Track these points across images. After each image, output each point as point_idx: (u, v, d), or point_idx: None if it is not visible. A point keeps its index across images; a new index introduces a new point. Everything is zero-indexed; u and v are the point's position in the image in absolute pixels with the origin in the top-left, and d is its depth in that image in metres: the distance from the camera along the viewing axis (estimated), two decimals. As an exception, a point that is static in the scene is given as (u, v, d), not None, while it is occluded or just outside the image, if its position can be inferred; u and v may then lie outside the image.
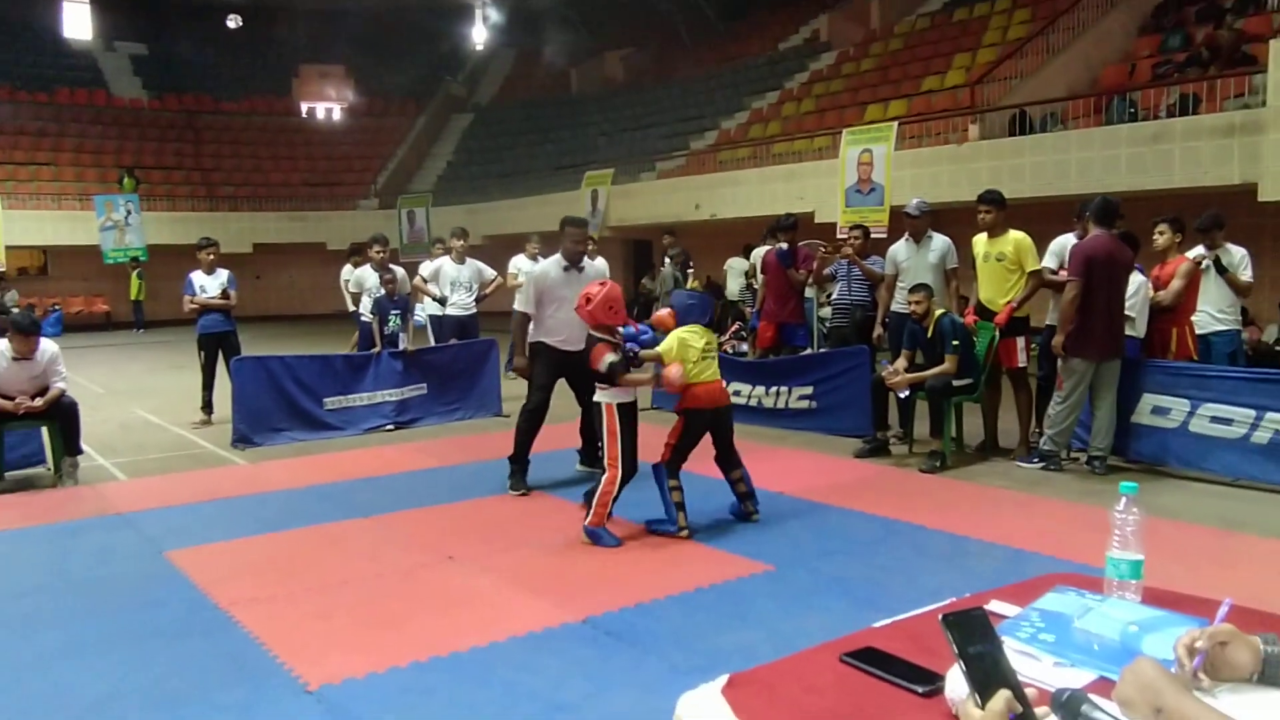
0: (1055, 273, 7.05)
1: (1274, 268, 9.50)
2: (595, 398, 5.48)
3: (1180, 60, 13.57)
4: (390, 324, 9.34)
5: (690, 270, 14.16)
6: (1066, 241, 7.22)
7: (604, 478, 5.32)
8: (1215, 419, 6.41)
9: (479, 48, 30.91)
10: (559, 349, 6.44)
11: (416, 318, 10.24)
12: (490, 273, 11.12)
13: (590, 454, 6.98)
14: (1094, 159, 12.22)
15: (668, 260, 13.96)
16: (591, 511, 5.28)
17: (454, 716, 3.27)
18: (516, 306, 6.70)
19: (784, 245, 9.16)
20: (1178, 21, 14.93)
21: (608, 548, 5.20)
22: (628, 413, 5.41)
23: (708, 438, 5.53)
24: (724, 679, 1.52)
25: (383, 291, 9.50)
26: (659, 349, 5.47)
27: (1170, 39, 14.53)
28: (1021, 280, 7.12)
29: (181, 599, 4.53)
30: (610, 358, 5.24)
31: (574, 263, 6.60)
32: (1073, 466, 6.82)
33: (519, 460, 6.53)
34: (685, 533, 5.28)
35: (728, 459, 5.57)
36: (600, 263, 7.37)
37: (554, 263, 6.67)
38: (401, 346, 9.31)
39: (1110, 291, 6.52)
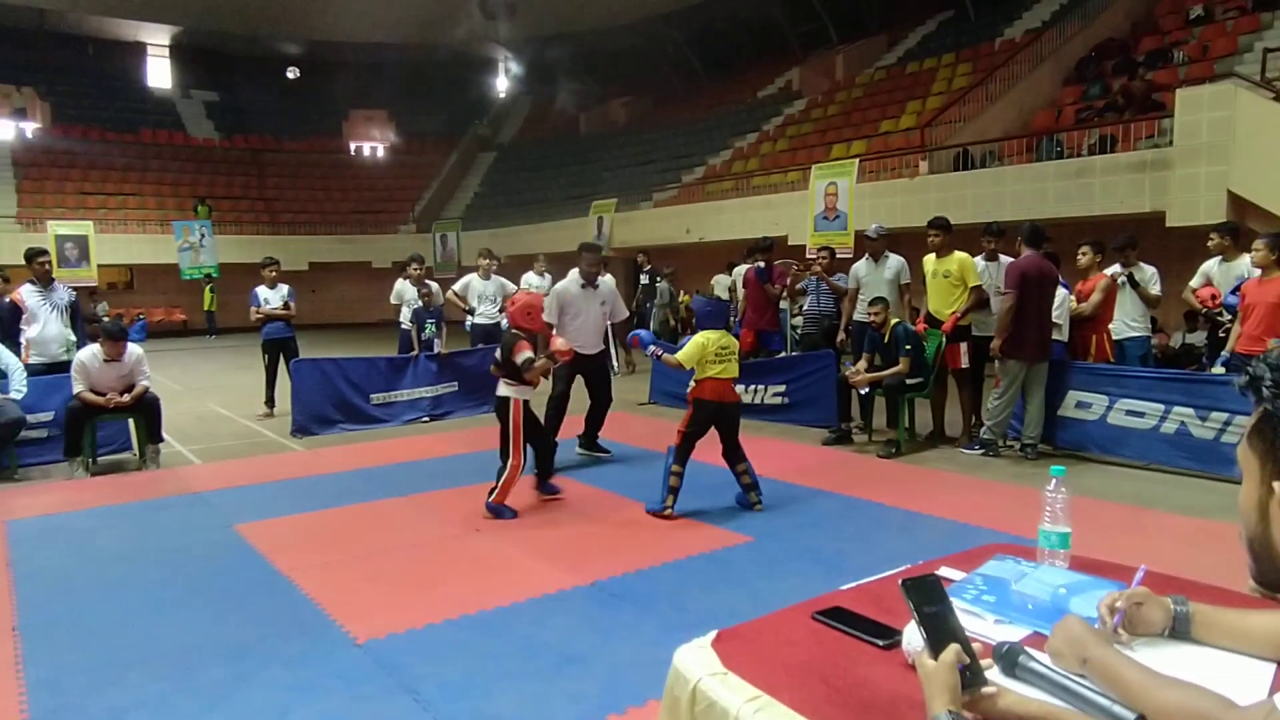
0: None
1: (1179, 283, 9.47)
2: (502, 392, 5.35)
3: (1100, 106, 13.59)
4: (427, 330, 9.33)
5: (659, 281, 14.26)
6: (1003, 262, 7.25)
7: (509, 464, 5.26)
8: (1130, 412, 6.42)
9: (502, 95, 31.04)
10: (580, 352, 6.47)
11: (466, 325, 10.28)
12: (512, 287, 11.11)
13: (590, 439, 6.99)
14: (1026, 191, 12.23)
15: (664, 277, 13.99)
16: (497, 492, 5.27)
17: (481, 666, 3.26)
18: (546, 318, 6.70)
19: (761, 264, 9.16)
20: (1098, 74, 14.96)
21: (509, 519, 5.22)
22: (529, 408, 5.39)
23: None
24: (713, 634, 1.52)
25: (420, 303, 9.51)
26: (680, 355, 5.29)
27: (1091, 88, 14.56)
28: (964, 294, 7.13)
29: (249, 565, 4.54)
30: (527, 353, 5.23)
31: (589, 281, 6.68)
32: (1008, 453, 6.83)
33: (541, 447, 6.50)
34: (669, 513, 5.17)
35: (733, 453, 5.36)
36: (609, 280, 7.36)
37: (573, 280, 6.73)
38: (436, 350, 9.31)
39: (1039, 303, 6.54)
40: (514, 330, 5.39)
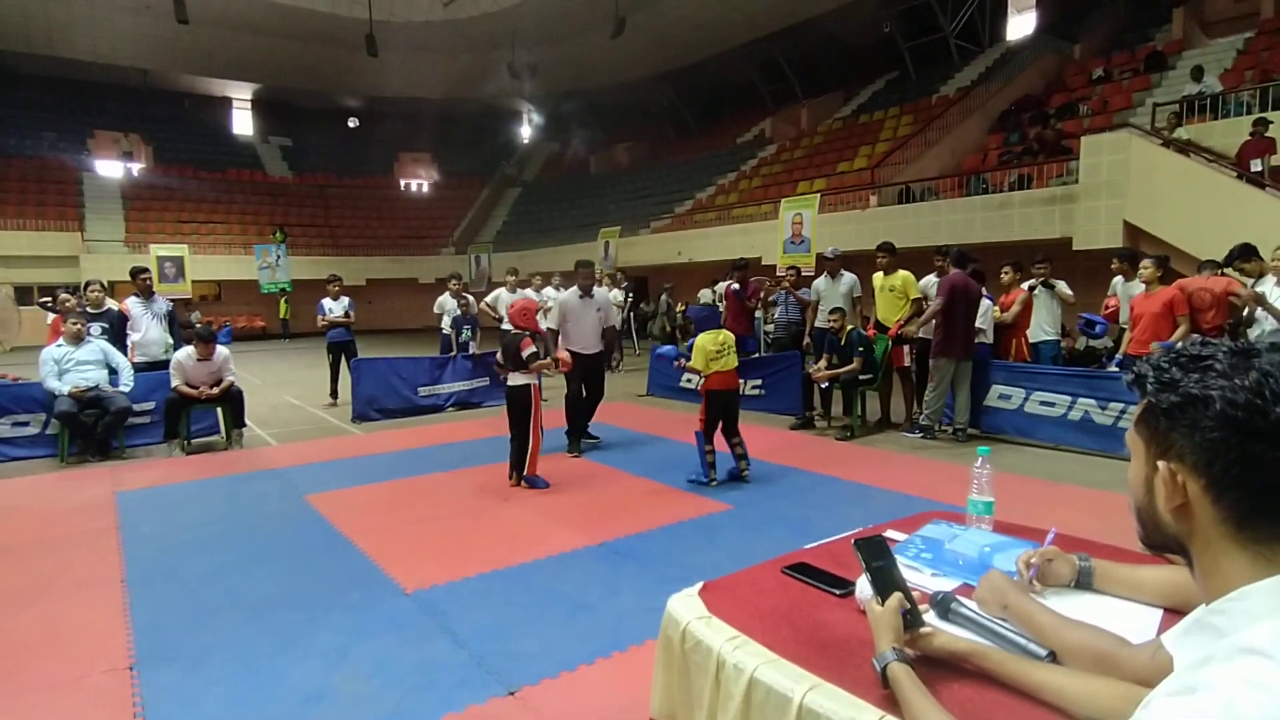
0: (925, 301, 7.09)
1: (1084, 295, 9.49)
2: (519, 382, 5.29)
3: (1018, 150, 13.61)
4: (464, 334, 9.31)
5: (630, 294, 14.27)
6: (929, 281, 7.27)
7: (534, 443, 5.30)
8: (1043, 402, 6.42)
9: (525, 140, 30.97)
10: (581, 353, 6.44)
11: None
12: (536, 299, 11.14)
13: (581, 430, 6.70)
14: (957, 220, 12.24)
15: (665, 291, 13.96)
16: (529, 463, 5.33)
17: (508, 612, 3.26)
18: (548, 325, 6.70)
19: (736, 285, 9.12)
20: (1017, 123, 14.97)
21: (542, 489, 5.24)
22: (539, 393, 5.44)
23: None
24: (700, 585, 1.52)
25: (459, 312, 9.49)
26: (693, 362, 5.28)
27: (1011, 136, 14.57)
28: (907, 305, 7.13)
29: (316, 529, 4.54)
30: (532, 348, 5.24)
31: (585, 291, 6.61)
32: (943, 436, 6.82)
33: (572, 432, 6.48)
34: (714, 482, 5.20)
35: (731, 431, 5.39)
36: (603, 290, 7.18)
37: (572, 292, 6.68)
38: (471, 350, 9.29)
39: (965, 312, 6.54)
40: (516, 329, 5.37)
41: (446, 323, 9.69)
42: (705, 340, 5.26)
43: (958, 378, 6.64)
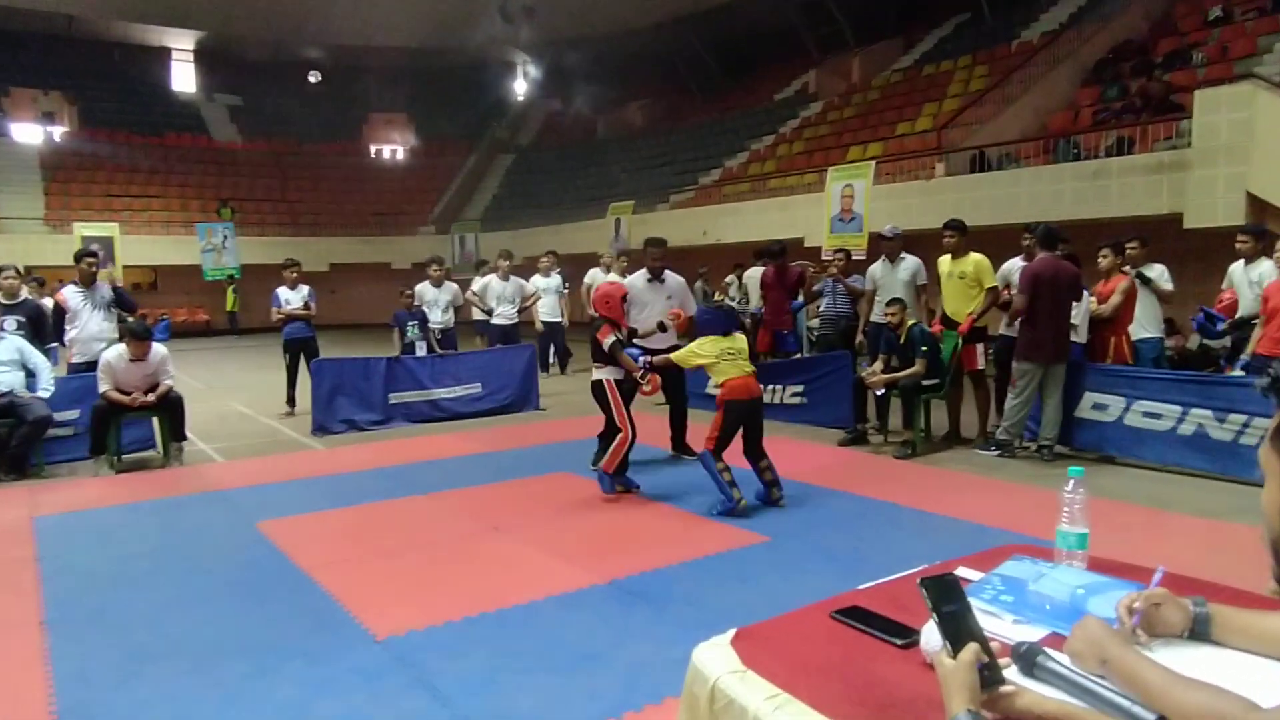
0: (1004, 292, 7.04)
1: (1196, 284, 9.38)
2: (594, 376, 5.67)
3: (1117, 108, 13.48)
4: (410, 333, 9.24)
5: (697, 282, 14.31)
6: (1012, 266, 7.22)
7: (619, 437, 5.50)
8: (1147, 414, 6.36)
9: (520, 98, 31.11)
10: (647, 347, 6.38)
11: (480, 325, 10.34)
12: (530, 288, 11.23)
13: (677, 441, 6.97)
14: (1042, 193, 12.16)
15: (699, 277, 13.98)
16: (606, 458, 5.50)
17: (499, 663, 3.27)
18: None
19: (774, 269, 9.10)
20: (1115, 75, 14.83)
21: (606, 494, 5.48)
22: (624, 386, 5.65)
23: None
24: (732, 632, 1.52)
25: (406, 307, 9.45)
26: (674, 355, 5.52)
27: (1109, 90, 14.44)
28: (981, 295, 7.09)
29: (270, 562, 4.57)
30: (611, 337, 5.52)
31: (655, 275, 6.68)
32: (1024, 454, 6.77)
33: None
34: (743, 503, 5.16)
35: (756, 450, 5.38)
36: (676, 277, 7.09)
37: (639, 275, 6.75)
38: (419, 353, 9.22)
39: (1054, 305, 6.48)
40: (598, 317, 5.69)
41: (435, 318, 9.71)
42: (702, 345, 5.38)
43: (1046, 384, 6.60)
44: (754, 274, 10.56)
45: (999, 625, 1.48)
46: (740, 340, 5.43)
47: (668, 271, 6.83)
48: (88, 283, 7.62)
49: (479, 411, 9.29)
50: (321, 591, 4.08)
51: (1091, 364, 6.86)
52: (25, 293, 7.83)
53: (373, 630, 3.59)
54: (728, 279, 15.19)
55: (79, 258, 7.69)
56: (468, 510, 5.52)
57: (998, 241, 8.40)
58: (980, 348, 7.16)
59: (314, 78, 30.36)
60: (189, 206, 25.75)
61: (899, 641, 1.45)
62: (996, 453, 6.75)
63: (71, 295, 7.57)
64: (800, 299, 9.46)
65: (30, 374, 6.96)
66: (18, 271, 7.81)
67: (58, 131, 26.47)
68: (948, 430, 7.50)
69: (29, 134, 25.83)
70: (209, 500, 5.98)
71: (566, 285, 12.20)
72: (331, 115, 30.84)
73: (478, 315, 11.23)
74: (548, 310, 11.78)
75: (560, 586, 4.06)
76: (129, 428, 7.33)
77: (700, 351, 5.38)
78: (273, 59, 29.96)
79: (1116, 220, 10.94)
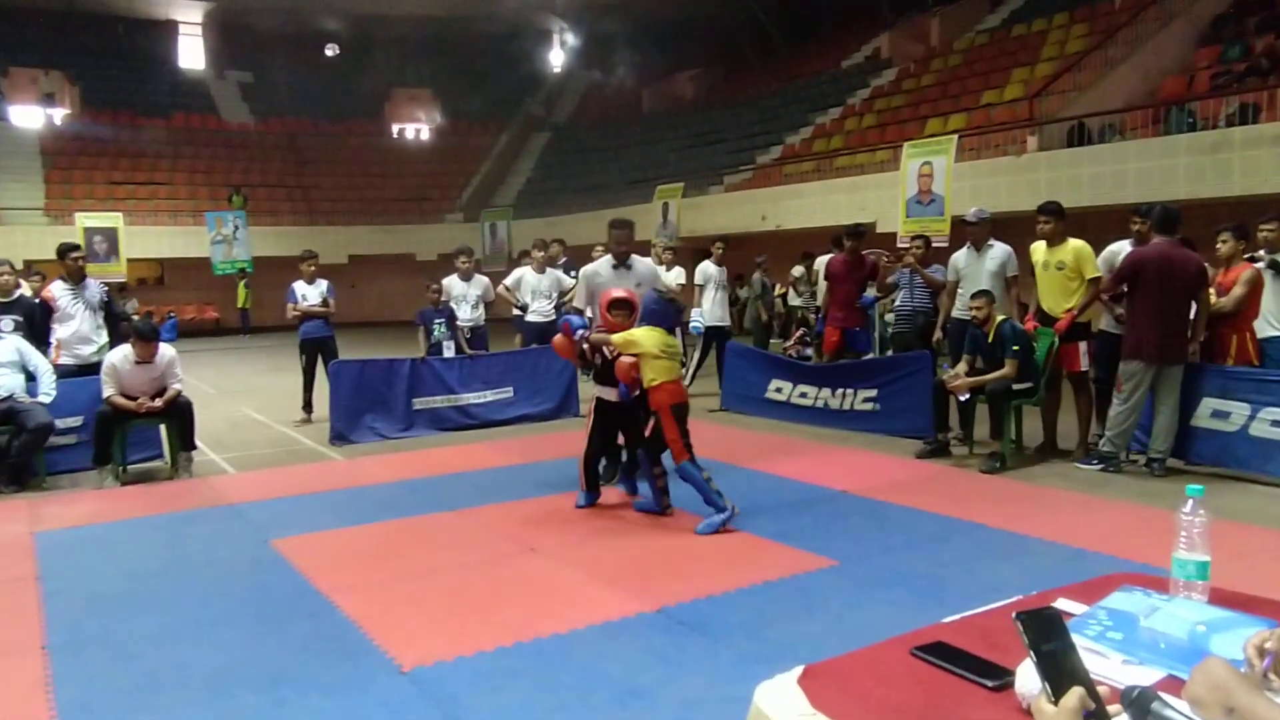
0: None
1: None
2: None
3: (1240, 70, 13.18)
4: (436, 333, 9.32)
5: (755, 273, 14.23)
6: (1117, 250, 7.08)
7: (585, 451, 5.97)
8: (1275, 423, 6.20)
9: (556, 70, 31.32)
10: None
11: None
12: (569, 281, 11.22)
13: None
14: (1152, 169, 11.92)
15: (757, 267, 13.95)
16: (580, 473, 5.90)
17: (536, 699, 3.29)
18: (576, 304, 6.81)
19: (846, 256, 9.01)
20: (1237, 32, 14.48)
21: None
22: (622, 406, 5.89)
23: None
24: (799, 670, 1.52)
25: (432, 306, 9.52)
26: (615, 336, 5.61)
27: (1230, 49, 14.12)
28: (1082, 287, 6.97)
29: (286, 584, 4.64)
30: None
31: (620, 261, 6.63)
32: (1131, 468, 6.65)
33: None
34: (735, 509, 5.31)
35: (659, 451, 5.60)
36: (647, 262, 7.18)
37: (604, 262, 6.72)
38: (446, 354, 9.29)
39: (1165, 297, 6.33)
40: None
41: (464, 315, 9.78)
42: (646, 334, 5.47)
43: (1157, 388, 6.46)
44: (821, 263, 10.51)
45: (1106, 666, 1.47)
46: (677, 343, 5.69)
47: (635, 256, 6.79)
48: (77, 280, 7.79)
49: (512, 418, 9.36)
50: (342, 616, 4.14)
51: (1211, 365, 6.70)
52: (25, 289, 8.02)
53: (398, 660, 3.63)
54: (795, 270, 15.13)
55: (63, 253, 7.82)
56: (501, 528, 5.56)
57: (1100, 226, 8.25)
58: (1082, 347, 7.04)
59: (331, 51, 30.80)
60: (197, 194, 26.30)
61: (990, 683, 1.44)
62: (1099, 467, 6.63)
63: (60, 293, 7.72)
64: (872, 293, 9.38)
65: (31, 377, 7.13)
66: (13, 267, 7.93)
67: (59, 114, 27.23)
68: (1042, 441, 7.39)
69: (29, 117, 26.64)
70: (220, 515, 6.09)
71: None
72: (350, 92, 31.25)
73: (517, 311, 11.29)
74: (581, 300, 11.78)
75: (603, 614, 4.07)
76: (135, 436, 7.49)
77: (640, 340, 5.46)
78: (286, 32, 30.46)
79: (1239, 199, 10.67)
